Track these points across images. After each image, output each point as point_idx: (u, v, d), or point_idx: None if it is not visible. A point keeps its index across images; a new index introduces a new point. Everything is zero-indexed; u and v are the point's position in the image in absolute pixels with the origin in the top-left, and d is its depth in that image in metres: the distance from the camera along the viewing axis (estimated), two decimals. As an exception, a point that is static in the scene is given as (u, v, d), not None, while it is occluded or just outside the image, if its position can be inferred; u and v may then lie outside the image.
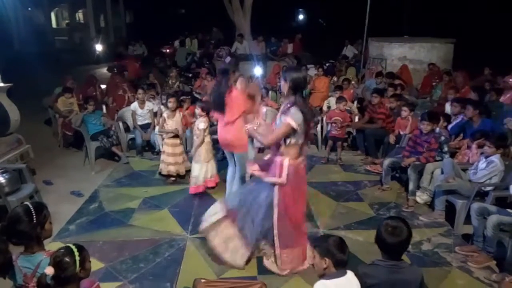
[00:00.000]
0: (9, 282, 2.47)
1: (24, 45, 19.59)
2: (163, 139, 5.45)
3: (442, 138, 4.96)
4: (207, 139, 5.00)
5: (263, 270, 3.49)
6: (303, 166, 3.41)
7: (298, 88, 3.23)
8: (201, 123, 4.86)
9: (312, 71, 9.26)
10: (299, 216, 3.46)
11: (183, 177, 5.32)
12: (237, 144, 4.22)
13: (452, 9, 14.30)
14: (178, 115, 5.41)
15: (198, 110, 4.92)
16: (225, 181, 5.06)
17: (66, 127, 6.63)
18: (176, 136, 5.31)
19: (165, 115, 5.36)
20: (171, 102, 5.34)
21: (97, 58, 17.06)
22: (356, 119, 6.78)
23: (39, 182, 5.12)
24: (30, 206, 2.26)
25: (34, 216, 2.22)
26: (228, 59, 4.47)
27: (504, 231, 3.55)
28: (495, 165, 4.05)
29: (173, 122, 5.29)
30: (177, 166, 5.29)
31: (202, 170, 4.94)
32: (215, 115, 4.37)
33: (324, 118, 6.96)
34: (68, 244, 2.05)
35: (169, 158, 5.26)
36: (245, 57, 11.21)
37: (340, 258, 2.20)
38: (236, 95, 4.08)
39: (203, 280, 2.97)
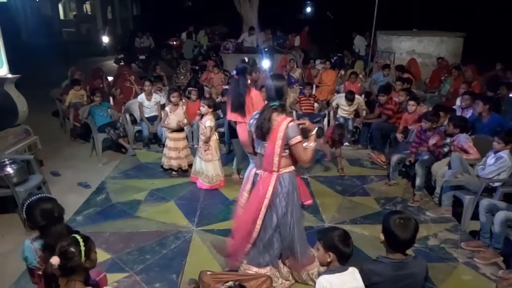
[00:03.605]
0: (20, 268, 2.51)
1: (31, 36, 19.67)
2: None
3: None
4: (215, 136, 4.94)
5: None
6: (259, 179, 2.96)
7: (269, 96, 2.89)
8: (207, 121, 4.79)
9: (319, 65, 9.25)
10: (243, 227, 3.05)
11: (185, 171, 5.29)
12: None
13: (462, 1, 14.07)
14: (181, 109, 5.36)
15: (204, 108, 4.80)
16: (229, 175, 5.08)
17: (77, 119, 6.63)
18: (179, 130, 5.29)
19: (167, 109, 5.32)
20: (174, 97, 5.28)
21: (103, 49, 17.10)
22: (364, 113, 6.74)
23: (47, 173, 5.17)
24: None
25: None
26: (245, 58, 4.25)
27: (512, 228, 3.52)
28: (504, 161, 4.00)
29: (175, 116, 5.23)
30: (179, 161, 5.26)
31: (216, 170, 4.89)
32: (232, 116, 4.16)
33: (331, 113, 6.92)
34: (73, 235, 2.07)
35: (171, 153, 5.24)
36: (252, 49, 11.16)
37: (344, 252, 2.18)
38: (255, 95, 3.99)
39: (208, 272, 2.98)
